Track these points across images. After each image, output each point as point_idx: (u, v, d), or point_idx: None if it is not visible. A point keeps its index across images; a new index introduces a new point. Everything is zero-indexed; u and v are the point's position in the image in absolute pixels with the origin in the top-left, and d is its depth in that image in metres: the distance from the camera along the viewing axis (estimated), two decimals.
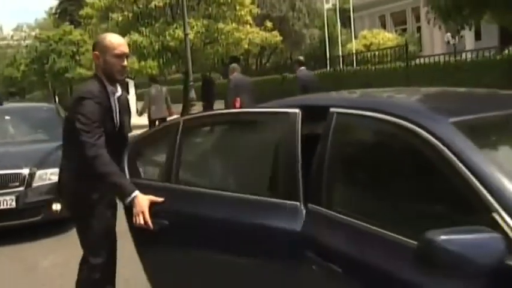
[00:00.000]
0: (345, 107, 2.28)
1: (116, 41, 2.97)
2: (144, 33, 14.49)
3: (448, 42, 23.13)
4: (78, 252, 3.24)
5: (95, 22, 17.20)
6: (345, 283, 1.92)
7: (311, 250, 2.04)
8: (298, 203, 2.18)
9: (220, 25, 14.90)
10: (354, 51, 25.29)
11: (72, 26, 32.74)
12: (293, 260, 2.11)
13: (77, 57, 28.77)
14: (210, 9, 15.34)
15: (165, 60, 15.48)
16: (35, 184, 5.77)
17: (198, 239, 2.60)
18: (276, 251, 2.20)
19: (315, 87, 8.61)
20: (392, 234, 1.79)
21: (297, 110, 2.34)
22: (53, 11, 53.49)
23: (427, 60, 15.77)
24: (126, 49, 3.00)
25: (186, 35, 13.21)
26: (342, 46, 31.85)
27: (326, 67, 23.29)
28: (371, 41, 31.21)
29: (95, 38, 16.29)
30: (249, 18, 16.15)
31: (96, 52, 2.96)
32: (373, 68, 16.10)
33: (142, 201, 2.60)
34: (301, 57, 13.05)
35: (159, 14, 15.62)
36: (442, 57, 15.39)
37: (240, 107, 8.82)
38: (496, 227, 1.51)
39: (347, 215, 2.00)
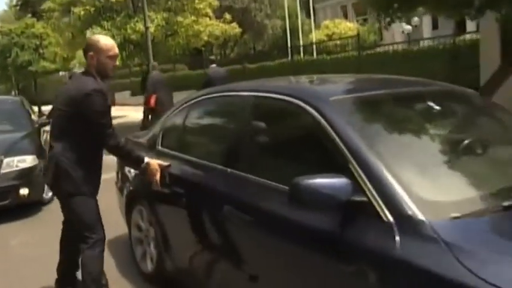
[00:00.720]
0: (259, 91, 2.97)
1: (110, 43, 3.39)
2: (106, 27, 14.88)
3: (403, 31, 24.04)
4: (44, 232, 3.74)
5: (57, 16, 17.43)
6: (252, 226, 2.56)
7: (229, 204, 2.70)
8: (227, 169, 2.85)
9: (180, 18, 15.42)
10: (314, 41, 26.00)
11: (35, 19, 32.36)
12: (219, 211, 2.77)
13: (40, 51, 28.50)
14: (169, 2, 15.82)
15: (127, 52, 15.86)
16: (2, 171, 6.19)
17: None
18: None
19: (225, 82, 9.21)
20: (278, 185, 2.42)
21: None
22: (14, 2, 52.33)
23: (380, 49, 16.59)
24: (117, 51, 3.46)
25: (146, 28, 13.70)
26: (304, 36, 32.52)
27: (288, 57, 23.95)
28: (333, 30, 31.97)
29: (57, 32, 16.49)
30: (208, 11, 16.64)
31: (91, 53, 3.31)
32: (329, 57, 16.80)
33: (153, 164, 3.40)
34: (213, 57, 14.42)
35: (121, 7, 16.01)
36: (394, 46, 16.14)
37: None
38: (351, 175, 2.11)
39: (253, 175, 2.65)
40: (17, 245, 5.32)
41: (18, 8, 48.89)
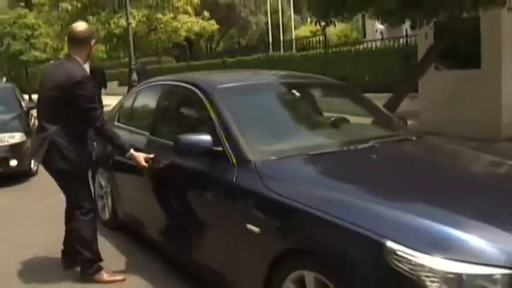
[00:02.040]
0: (171, 80, 4.29)
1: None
2: (91, 21, 16.13)
3: (376, 30, 25.38)
4: (25, 195, 4.89)
5: (47, 10, 18.68)
6: (161, 172, 3.87)
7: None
8: (152, 136, 4.13)
9: (159, 15, 16.74)
10: (293, 37, 27.28)
11: (27, 10, 33.38)
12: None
13: (32, 41, 29.59)
14: (150, 0, 17.12)
15: (111, 45, 17.15)
16: None
17: None
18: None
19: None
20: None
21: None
22: None
23: (347, 47, 17.87)
24: None
25: (128, 23, 14.99)
26: (290, 32, 33.77)
27: (268, 51, 25.19)
28: (317, 27, 33.21)
29: (48, 24, 17.60)
30: (188, 8, 17.93)
31: (94, 41, 3.80)
32: (298, 54, 18.12)
33: (138, 156, 3.85)
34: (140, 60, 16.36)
35: (105, 3, 17.29)
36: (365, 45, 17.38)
37: None
38: (214, 134, 3.36)
39: (162, 138, 3.95)
40: (5, 203, 6.62)
41: None
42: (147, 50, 19.09)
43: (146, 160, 3.84)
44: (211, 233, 3.30)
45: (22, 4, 43.76)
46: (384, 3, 6.84)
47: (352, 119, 4.10)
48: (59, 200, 4.08)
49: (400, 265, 2.07)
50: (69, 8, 16.55)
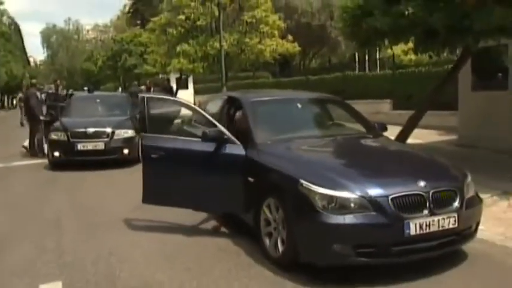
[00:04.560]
0: (227, 95, 6.69)
1: None
2: (191, 44, 19.32)
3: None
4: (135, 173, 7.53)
5: (157, 33, 22.36)
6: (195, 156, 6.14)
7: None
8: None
9: (246, 39, 19.57)
10: (378, 57, 28.80)
11: (142, 30, 38.16)
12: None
13: (145, 56, 34.01)
14: (240, 27, 20.02)
15: (208, 64, 20.27)
16: (114, 137, 10.47)
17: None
18: None
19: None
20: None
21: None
22: (126, 9, 59.57)
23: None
24: None
25: (221, 46, 17.91)
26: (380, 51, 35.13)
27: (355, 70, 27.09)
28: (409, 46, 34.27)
29: (157, 45, 21.35)
30: (275, 32, 20.58)
31: None
32: (371, 73, 20.01)
33: None
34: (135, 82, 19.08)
35: (203, 30, 20.48)
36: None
37: None
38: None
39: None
40: (123, 181, 9.35)
41: (130, 15, 55.87)
42: (238, 67, 22.01)
43: None
44: (232, 183, 5.52)
45: (138, 22, 49.37)
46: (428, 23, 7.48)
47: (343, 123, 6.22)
48: None
49: (304, 191, 4.22)
50: (174, 32, 20.02)
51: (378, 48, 33.73)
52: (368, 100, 18.20)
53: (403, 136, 9.50)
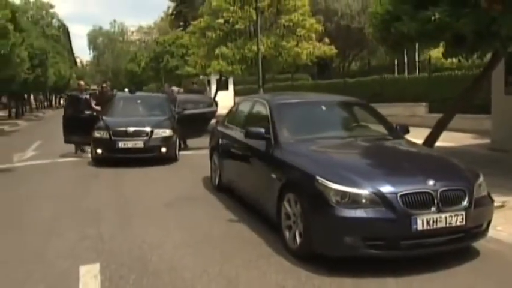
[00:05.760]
0: (255, 97, 7.11)
1: None
2: (230, 47, 19.83)
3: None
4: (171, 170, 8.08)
5: (197, 36, 23.05)
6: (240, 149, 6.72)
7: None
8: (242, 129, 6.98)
9: (283, 42, 19.93)
10: (417, 60, 28.48)
11: (183, 32, 39.02)
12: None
13: (186, 58, 34.76)
14: (278, 30, 20.39)
15: (245, 66, 20.74)
16: (153, 136, 11.01)
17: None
18: None
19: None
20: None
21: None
22: (170, 11, 60.92)
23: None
24: None
25: (258, 49, 18.34)
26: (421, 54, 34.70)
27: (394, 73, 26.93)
28: None
29: (197, 47, 22.15)
30: (312, 35, 20.87)
31: None
32: (407, 77, 19.96)
33: None
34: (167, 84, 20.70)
35: (241, 33, 20.99)
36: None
37: None
38: (268, 129, 6.04)
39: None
40: (158, 176, 9.89)
41: (173, 17, 57.13)
42: (276, 70, 22.43)
43: None
44: (258, 178, 5.94)
45: (181, 23, 50.45)
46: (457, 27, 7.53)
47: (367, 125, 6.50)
48: (188, 173, 6.90)
49: (320, 187, 4.55)
50: (214, 35, 20.64)
51: (417, 52, 33.68)
52: (404, 103, 18.22)
53: (431, 139, 9.62)
